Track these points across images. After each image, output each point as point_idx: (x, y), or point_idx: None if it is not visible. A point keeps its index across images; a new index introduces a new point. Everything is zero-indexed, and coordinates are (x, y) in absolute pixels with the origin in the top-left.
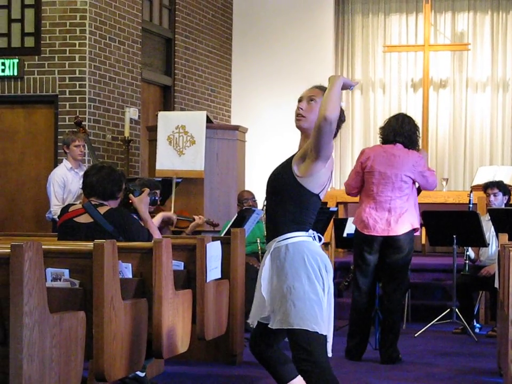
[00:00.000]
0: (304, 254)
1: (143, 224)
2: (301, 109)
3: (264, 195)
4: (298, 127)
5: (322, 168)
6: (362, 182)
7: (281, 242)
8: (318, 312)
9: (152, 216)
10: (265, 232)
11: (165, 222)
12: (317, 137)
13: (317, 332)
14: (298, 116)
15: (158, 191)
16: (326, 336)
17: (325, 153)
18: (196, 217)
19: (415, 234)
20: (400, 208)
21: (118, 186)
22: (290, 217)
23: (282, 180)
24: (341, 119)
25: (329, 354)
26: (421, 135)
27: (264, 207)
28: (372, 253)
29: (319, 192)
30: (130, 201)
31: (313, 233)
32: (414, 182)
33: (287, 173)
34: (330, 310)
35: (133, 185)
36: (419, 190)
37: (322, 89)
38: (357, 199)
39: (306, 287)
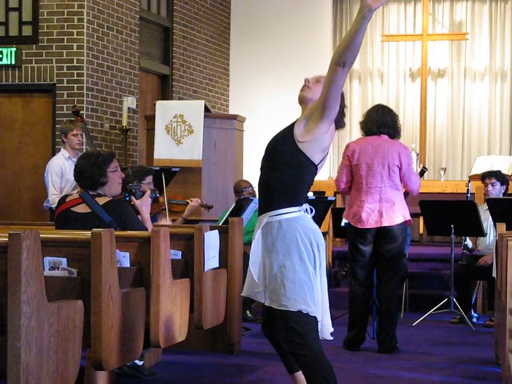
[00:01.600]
0: (297, 231)
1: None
2: (308, 81)
3: None
4: (302, 97)
5: (325, 132)
6: (352, 176)
7: (274, 217)
8: (309, 293)
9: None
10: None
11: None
12: (328, 87)
13: (308, 314)
14: (304, 87)
15: (157, 189)
16: (316, 318)
17: (331, 111)
18: (189, 200)
19: (407, 224)
20: (392, 198)
21: (97, 172)
22: (285, 190)
23: (282, 146)
24: (341, 105)
25: (330, 338)
26: (400, 124)
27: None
28: (366, 244)
29: (318, 163)
30: (132, 202)
31: (306, 207)
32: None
33: (287, 138)
34: (323, 288)
35: (133, 187)
36: (405, 194)
37: None
38: None
39: (297, 267)
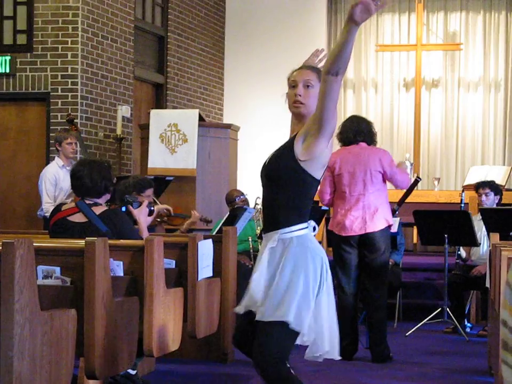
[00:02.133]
0: (307, 250)
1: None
2: (299, 95)
3: (257, 192)
4: (297, 114)
5: (325, 148)
6: (334, 186)
7: (285, 235)
8: (304, 312)
9: (163, 221)
10: (260, 225)
11: (161, 216)
12: (323, 99)
13: (294, 330)
14: (297, 103)
15: (153, 203)
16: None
17: (329, 124)
18: (192, 212)
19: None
20: (374, 204)
21: (109, 181)
22: (291, 207)
23: (283, 166)
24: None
25: (338, 357)
26: (375, 131)
27: (259, 198)
28: (351, 252)
29: (320, 178)
30: (130, 211)
31: (312, 224)
32: (384, 180)
33: (287, 158)
34: (330, 309)
35: (130, 198)
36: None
37: (315, 71)
38: None
39: (302, 284)
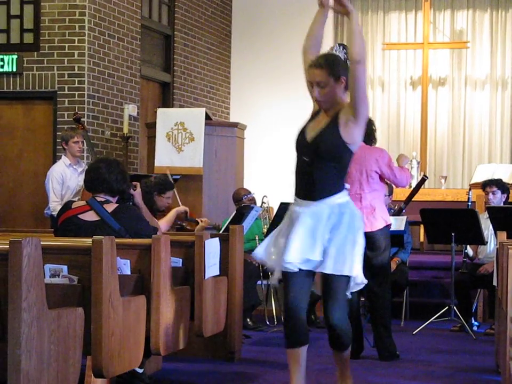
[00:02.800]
0: (354, 213)
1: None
2: (317, 96)
3: (264, 191)
4: (320, 103)
5: (363, 128)
6: None
7: (332, 202)
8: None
9: (164, 215)
10: (297, 190)
11: (178, 217)
12: (355, 88)
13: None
14: (318, 101)
15: (170, 201)
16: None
17: (363, 108)
18: (199, 220)
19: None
20: (372, 204)
21: (128, 185)
22: (338, 178)
23: (335, 145)
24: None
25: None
26: (375, 129)
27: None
28: None
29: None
30: (131, 196)
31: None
32: (381, 179)
33: (337, 139)
34: None
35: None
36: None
37: (325, 65)
38: None
39: (359, 239)
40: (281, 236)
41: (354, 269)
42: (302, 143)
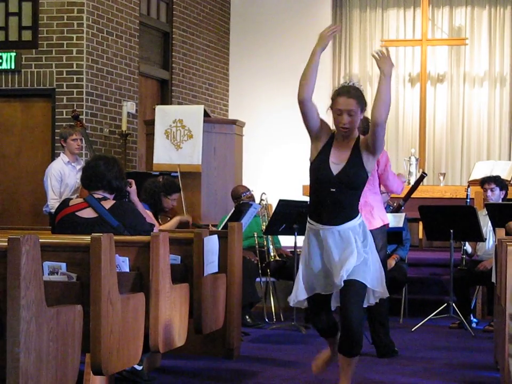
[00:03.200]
0: (367, 232)
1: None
2: (345, 124)
3: (262, 188)
4: (346, 136)
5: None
6: None
7: (353, 224)
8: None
9: (166, 215)
10: (324, 216)
11: (181, 224)
12: (378, 139)
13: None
14: (344, 129)
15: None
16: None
17: (381, 148)
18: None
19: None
20: (371, 202)
21: (125, 182)
22: (357, 204)
23: (361, 178)
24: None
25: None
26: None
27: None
28: None
29: None
30: (127, 193)
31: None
32: (379, 183)
33: (363, 172)
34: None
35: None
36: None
37: (357, 97)
38: None
39: (375, 256)
40: (314, 264)
41: (377, 283)
42: (327, 176)
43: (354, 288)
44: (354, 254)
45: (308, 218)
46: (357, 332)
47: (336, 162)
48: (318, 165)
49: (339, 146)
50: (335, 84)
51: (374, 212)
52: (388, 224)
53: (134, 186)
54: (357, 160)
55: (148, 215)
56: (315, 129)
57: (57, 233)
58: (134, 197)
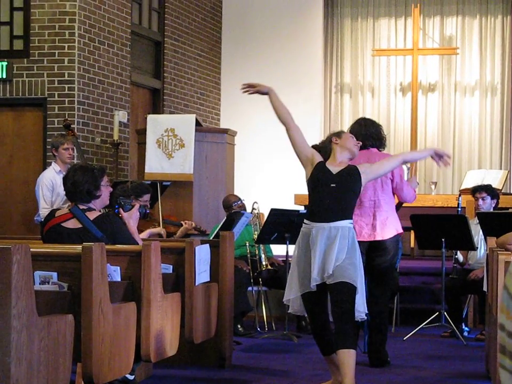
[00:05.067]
0: (355, 238)
1: None
2: (357, 153)
3: (254, 197)
4: (351, 158)
5: None
6: None
7: (347, 224)
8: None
9: (140, 232)
10: (320, 213)
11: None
12: (386, 171)
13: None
14: (354, 155)
15: (147, 204)
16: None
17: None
18: (183, 222)
19: (400, 236)
20: (385, 212)
21: (94, 185)
22: (352, 206)
23: (357, 186)
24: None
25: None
26: (384, 134)
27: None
28: None
29: None
30: (120, 215)
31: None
32: (392, 191)
33: (358, 181)
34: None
35: (123, 200)
36: (399, 205)
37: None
38: None
39: (358, 260)
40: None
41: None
42: (328, 174)
43: (345, 287)
44: (336, 249)
45: (304, 220)
46: (348, 322)
47: (334, 166)
48: (317, 171)
49: (333, 163)
50: (326, 93)
51: (388, 222)
52: (401, 233)
53: (133, 210)
54: (354, 173)
55: (135, 233)
56: (304, 152)
57: (45, 243)
58: (128, 221)
